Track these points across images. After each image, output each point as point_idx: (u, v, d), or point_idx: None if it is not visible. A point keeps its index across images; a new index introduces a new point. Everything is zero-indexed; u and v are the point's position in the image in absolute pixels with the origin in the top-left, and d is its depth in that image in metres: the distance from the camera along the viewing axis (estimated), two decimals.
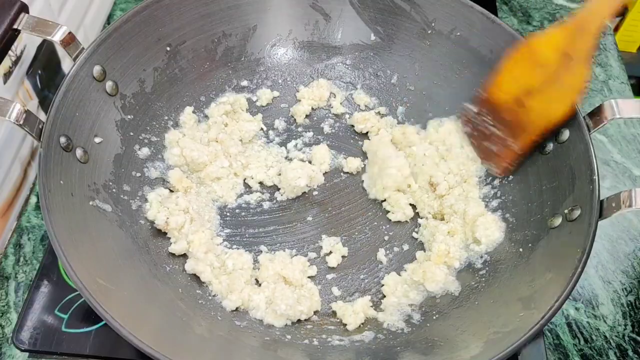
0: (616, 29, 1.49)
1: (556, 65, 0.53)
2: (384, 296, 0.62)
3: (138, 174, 0.66)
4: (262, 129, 0.73)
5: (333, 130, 0.75)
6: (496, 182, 0.67)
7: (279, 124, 0.74)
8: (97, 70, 0.61)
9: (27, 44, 0.67)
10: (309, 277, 0.63)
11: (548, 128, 0.57)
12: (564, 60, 0.52)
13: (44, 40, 0.68)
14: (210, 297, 0.61)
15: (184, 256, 0.63)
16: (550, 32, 0.53)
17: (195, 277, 0.62)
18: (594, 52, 0.53)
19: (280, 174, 0.69)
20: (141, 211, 0.64)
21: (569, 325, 0.66)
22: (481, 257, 0.63)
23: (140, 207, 0.64)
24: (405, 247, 0.66)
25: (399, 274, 0.63)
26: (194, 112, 0.71)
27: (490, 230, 0.62)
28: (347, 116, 0.76)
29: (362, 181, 0.71)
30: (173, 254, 0.62)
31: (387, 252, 0.66)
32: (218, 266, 0.61)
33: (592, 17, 0.50)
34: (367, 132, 0.74)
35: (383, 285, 0.63)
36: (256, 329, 0.59)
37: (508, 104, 0.56)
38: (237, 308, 0.60)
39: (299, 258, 0.63)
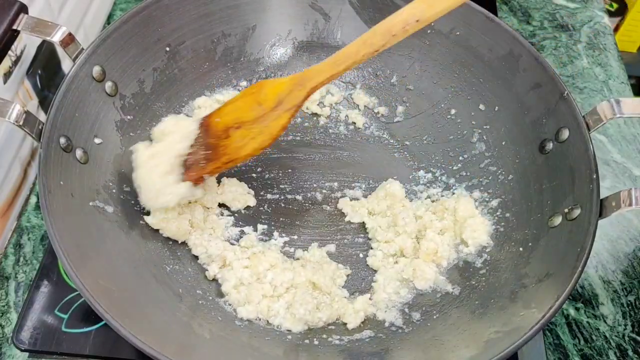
0: (616, 29, 1.49)
1: (269, 109, 0.57)
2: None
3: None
4: None
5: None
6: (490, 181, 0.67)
7: None
8: (96, 70, 0.61)
9: (27, 44, 0.67)
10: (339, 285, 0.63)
11: (237, 161, 0.59)
12: (276, 106, 0.56)
13: (44, 41, 0.68)
14: (210, 298, 0.61)
15: (184, 256, 0.63)
16: (280, 80, 0.57)
17: (196, 278, 0.62)
18: (301, 106, 0.57)
19: None
20: (141, 212, 0.64)
21: (569, 325, 0.66)
22: (480, 256, 0.63)
23: (141, 208, 0.64)
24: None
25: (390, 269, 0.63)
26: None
27: (478, 232, 0.63)
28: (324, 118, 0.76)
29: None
30: (172, 254, 0.62)
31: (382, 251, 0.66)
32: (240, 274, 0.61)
33: (311, 76, 0.55)
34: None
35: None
36: (257, 329, 0.59)
37: (218, 132, 0.59)
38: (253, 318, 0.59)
39: (330, 265, 0.63)
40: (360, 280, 0.64)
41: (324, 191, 0.71)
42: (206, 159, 0.59)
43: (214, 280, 0.62)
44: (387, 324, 0.60)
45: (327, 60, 0.54)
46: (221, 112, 0.59)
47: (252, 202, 0.68)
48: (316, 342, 0.58)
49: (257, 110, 0.57)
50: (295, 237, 0.67)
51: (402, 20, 0.51)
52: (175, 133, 0.60)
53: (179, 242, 0.63)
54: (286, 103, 0.56)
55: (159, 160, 0.59)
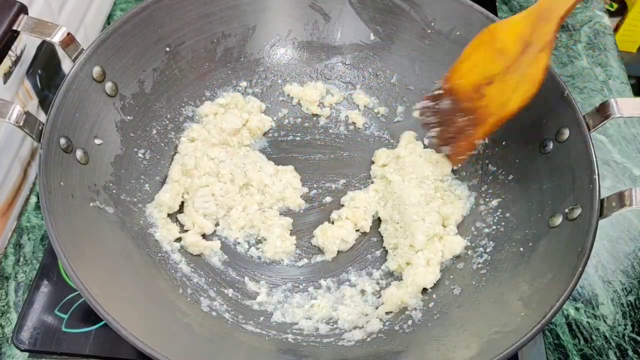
0: (616, 29, 1.49)
1: (516, 53, 0.51)
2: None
3: (138, 175, 0.66)
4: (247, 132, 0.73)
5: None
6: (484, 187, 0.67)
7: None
8: (96, 71, 0.61)
9: (27, 44, 0.67)
10: None
11: (506, 118, 0.55)
12: (524, 49, 0.51)
13: (44, 41, 0.68)
14: (211, 298, 0.61)
15: (184, 256, 0.63)
16: (513, 20, 0.51)
17: (196, 278, 0.62)
18: (554, 42, 0.51)
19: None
20: (142, 212, 0.64)
21: (569, 325, 0.66)
22: (480, 256, 0.63)
23: (141, 208, 0.64)
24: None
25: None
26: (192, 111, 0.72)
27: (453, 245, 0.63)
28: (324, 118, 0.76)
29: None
30: (172, 255, 0.63)
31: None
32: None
33: (554, 5, 0.49)
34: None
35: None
36: (257, 329, 0.59)
37: (468, 93, 0.54)
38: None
39: None
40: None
41: (324, 191, 0.71)
42: (471, 125, 0.55)
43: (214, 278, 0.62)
44: (387, 324, 0.60)
45: None
46: (460, 72, 0.54)
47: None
48: (316, 343, 0.58)
49: (503, 59, 0.52)
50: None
51: None
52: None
53: (180, 245, 0.64)
54: (536, 43, 0.50)
55: None
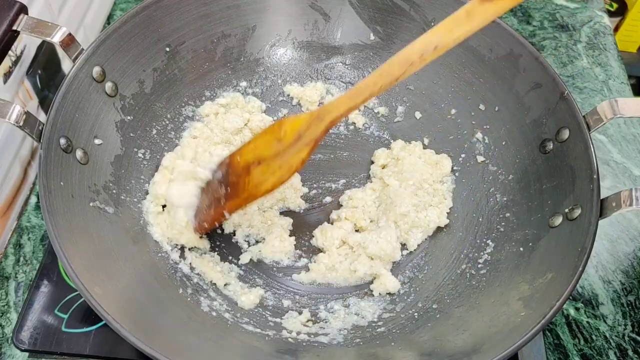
0: (616, 29, 1.49)
1: (288, 144, 0.56)
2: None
3: (138, 175, 0.66)
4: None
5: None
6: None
7: None
8: (96, 71, 0.61)
9: (27, 44, 0.67)
10: None
11: (257, 197, 0.59)
12: (296, 141, 0.56)
13: (44, 41, 0.68)
14: (211, 298, 0.61)
15: (184, 257, 0.63)
16: (300, 115, 0.57)
17: (196, 278, 0.62)
18: (320, 140, 0.56)
19: None
20: (141, 212, 0.64)
21: (569, 325, 0.66)
22: (480, 256, 0.63)
23: (141, 209, 0.64)
24: None
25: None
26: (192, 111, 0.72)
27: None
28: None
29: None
30: (172, 255, 0.63)
31: None
32: None
33: (330, 109, 0.54)
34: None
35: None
36: (257, 330, 0.59)
37: (239, 170, 0.59)
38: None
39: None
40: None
41: (324, 191, 0.71)
42: (226, 197, 0.59)
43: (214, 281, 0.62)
44: (388, 324, 0.60)
45: (345, 93, 0.54)
46: (243, 151, 0.59)
47: None
48: (316, 343, 0.58)
49: (277, 146, 0.57)
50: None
51: (420, 48, 0.50)
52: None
53: (179, 245, 0.64)
54: (305, 137, 0.55)
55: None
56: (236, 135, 0.71)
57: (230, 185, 0.59)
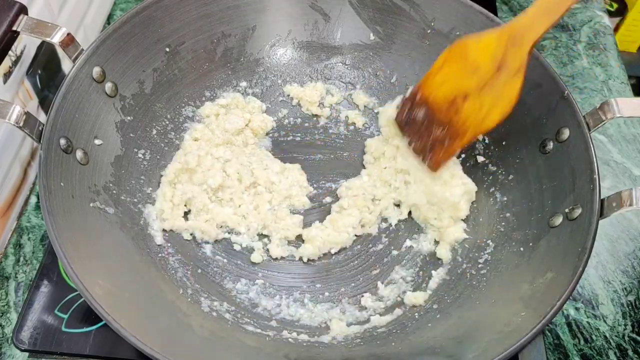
0: (616, 29, 1.49)
1: (490, 73, 0.53)
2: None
3: (138, 176, 0.66)
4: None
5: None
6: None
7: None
8: (96, 71, 0.61)
9: (27, 44, 0.67)
10: None
11: (483, 133, 0.58)
12: (498, 70, 0.52)
13: (44, 41, 0.68)
14: (211, 298, 0.61)
15: (184, 257, 0.63)
16: (485, 38, 0.52)
17: (196, 278, 0.62)
18: (527, 65, 0.53)
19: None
20: (142, 212, 0.64)
21: (569, 325, 0.66)
22: (480, 256, 0.63)
23: (141, 209, 0.64)
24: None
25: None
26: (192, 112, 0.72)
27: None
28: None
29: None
30: (172, 255, 0.63)
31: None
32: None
33: (525, 32, 0.50)
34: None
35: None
36: (257, 330, 0.59)
37: (443, 106, 0.56)
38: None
39: None
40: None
41: (324, 191, 0.71)
42: (447, 137, 0.56)
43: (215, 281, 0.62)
44: (387, 324, 0.60)
45: (534, 7, 0.48)
46: (433, 84, 0.56)
47: None
48: (316, 344, 0.58)
49: (477, 76, 0.53)
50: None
51: None
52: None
53: (184, 237, 0.64)
54: (510, 66, 0.51)
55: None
56: (237, 135, 0.72)
57: (444, 124, 0.56)
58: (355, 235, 0.67)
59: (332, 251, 0.65)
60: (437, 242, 0.66)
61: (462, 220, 0.66)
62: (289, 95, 0.76)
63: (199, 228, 0.64)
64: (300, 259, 0.65)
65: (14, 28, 0.56)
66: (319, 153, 0.73)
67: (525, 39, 0.50)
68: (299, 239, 0.66)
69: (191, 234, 0.65)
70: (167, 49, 0.69)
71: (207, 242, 0.65)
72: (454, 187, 0.64)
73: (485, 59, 0.53)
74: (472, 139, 0.58)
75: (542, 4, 0.48)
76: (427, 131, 0.58)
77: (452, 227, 0.65)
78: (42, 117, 0.70)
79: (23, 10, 0.56)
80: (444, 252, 0.65)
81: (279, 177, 0.69)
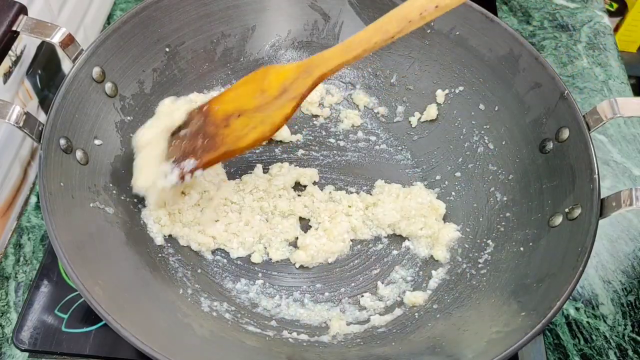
0: (616, 29, 1.49)
1: (272, 96, 0.53)
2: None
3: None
4: None
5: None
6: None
7: None
8: (96, 71, 0.61)
9: (27, 44, 0.67)
10: None
11: (236, 152, 0.56)
12: (281, 94, 0.53)
13: (44, 41, 0.68)
14: (211, 298, 0.61)
15: (185, 257, 0.63)
16: (285, 67, 0.54)
17: (197, 278, 0.62)
18: (306, 96, 0.53)
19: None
20: (141, 212, 0.64)
21: (569, 325, 0.66)
22: (480, 256, 0.63)
23: (141, 209, 0.64)
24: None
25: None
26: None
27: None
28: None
29: None
30: (173, 255, 0.63)
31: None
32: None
33: (319, 64, 0.52)
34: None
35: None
36: (257, 330, 0.59)
37: (217, 120, 0.55)
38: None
39: None
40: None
41: (324, 192, 0.71)
42: (203, 149, 0.55)
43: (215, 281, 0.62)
44: (388, 324, 0.60)
45: (337, 46, 0.50)
46: (222, 100, 0.56)
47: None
48: (316, 343, 0.58)
49: (260, 98, 0.53)
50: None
51: (420, 5, 0.47)
52: (172, 114, 0.57)
53: (180, 243, 0.64)
54: (291, 91, 0.52)
55: (155, 144, 0.56)
56: None
57: (209, 137, 0.55)
58: (351, 240, 0.66)
59: (329, 260, 0.65)
60: (432, 246, 0.66)
61: (452, 222, 0.66)
62: None
63: (195, 240, 0.63)
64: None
65: (14, 28, 0.56)
66: (319, 153, 0.73)
67: (316, 70, 0.52)
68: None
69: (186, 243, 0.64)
70: (167, 49, 0.69)
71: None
72: (419, 193, 0.66)
73: (275, 84, 0.53)
74: (223, 156, 0.56)
75: (344, 44, 0.50)
76: (190, 138, 0.57)
77: (443, 229, 0.65)
78: (42, 117, 0.70)
79: (23, 10, 0.56)
80: (440, 254, 0.65)
81: (264, 182, 0.68)
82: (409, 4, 0.48)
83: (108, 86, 0.63)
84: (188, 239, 0.63)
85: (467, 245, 0.65)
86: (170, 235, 0.64)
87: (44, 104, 0.73)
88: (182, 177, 0.57)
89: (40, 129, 0.55)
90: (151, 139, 0.58)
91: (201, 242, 0.63)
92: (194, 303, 0.59)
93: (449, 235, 0.65)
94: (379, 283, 0.64)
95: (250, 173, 0.69)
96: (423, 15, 0.47)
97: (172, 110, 0.60)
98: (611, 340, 0.65)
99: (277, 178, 0.68)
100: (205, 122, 0.56)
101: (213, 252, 0.65)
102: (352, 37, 0.50)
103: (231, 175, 0.69)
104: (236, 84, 0.57)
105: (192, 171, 0.56)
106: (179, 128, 0.58)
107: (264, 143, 0.73)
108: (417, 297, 0.61)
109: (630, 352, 0.65)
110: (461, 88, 0.71)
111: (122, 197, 0.63)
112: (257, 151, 0.73)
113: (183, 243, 0.64)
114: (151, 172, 0.58)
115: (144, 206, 0.64)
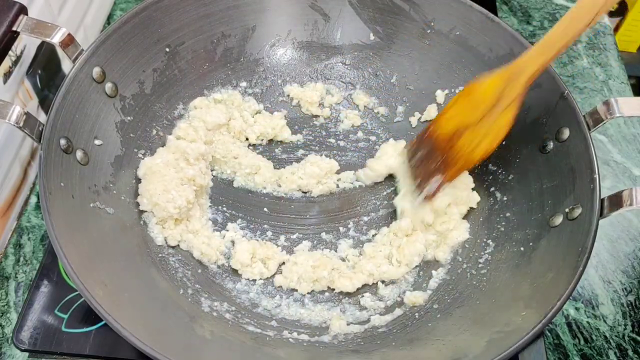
0: (616, 29, 1.49)
1: (490, 106, 0.56)
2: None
3: (135, 179, 0.66)
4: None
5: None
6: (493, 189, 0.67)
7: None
8: (96, 71, 0.61)
9: (27, 44, 0.67)
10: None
11: (472, 165, 0.60)
12: (496, 102, 0.56)
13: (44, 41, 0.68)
14: (212, 298, 0.61)
15: (185, 257, 0.63)
16: (492, 77, 0.56)
17: (197, 278, 0.62)
18: (521, 99, 0.56)
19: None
20: (142, 213, 0.64)
21: (569, 325, 0.66)
22: (480, 256, 0.63)
23: (141, 209, 0.64)
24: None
25: None
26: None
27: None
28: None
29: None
30: (173, 255, 0.63)
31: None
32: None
33: (522, 68, 0.54)
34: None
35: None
36: (258, 330, 0.59)
37: (443, 142, 0.59)
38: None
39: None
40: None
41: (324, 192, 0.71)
42: (442, 168, 0.60)
43: (215, 280, 0.62)
44: (388, 324, 0.60)
45: (534, 46, 0.53)
46: (439, 124, 0.60)
47: None
48: (317, 343, 0.58)
49: (478, 111, 0.57)
50: (295, 236, 0.67)
51: None
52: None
53: (180, 246, 0.64)
54: (505, 99, 0.55)
55: None
56: (218, 130, 0.71)
57: (439, 158, 0.60)
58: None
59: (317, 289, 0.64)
60: (438, 246, 0.66)
61: (465, 220, 0.66)
62: (288, 95, 0.76)
63: (199, 249, 0.63)
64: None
65: (14, 28, 0.56)
66: (319, 153, 0.73)
67: (522, 74, 0.54)
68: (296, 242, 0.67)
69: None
70: (167, 49, 0.69)
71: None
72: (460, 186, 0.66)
73: (488, 95, 0.56)
74: (462, 169, 0.61)
75: (539, 46, 0.53)
76: (424, 165, 0.62)
77: (456, 229, 0.65)
78: (42, 117, 0.70)
79: (23, 10, 0.56)
80: (441, 255, 0.64)
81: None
82: None
83: (108, 86, 0.63)
84: (190, 246, 0.63)
85: (467, 245, 0.65)
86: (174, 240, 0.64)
87: (44, 104, 0.73)
88: (432, 195, 0.62)
89: (40, 129, 0.55)
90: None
91: (204, 253, 0.63)
92: (194, 303, 0.59)
93: (459, 238, 0.65)
94: (379, 283, 0.64)
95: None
96: None
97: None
98: (611, 340, 0.65)
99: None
100: (432, 149, 0.60)
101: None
102: (548, 34, 0.52)
103: None
104: (446, 106, 0.60)
105: (439, 186, 0.61)
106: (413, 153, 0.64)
107: (264, 143, 0.73)
108: (417, 297, 0.61)
109: (630, 352, 0.65)
110: (461, 88, 0.71)
111: (123, 198, 0.63)
112: (257, 152, 0.73)
113: (184, 247, 0.64)
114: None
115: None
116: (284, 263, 0.64)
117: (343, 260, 0.65)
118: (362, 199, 0.70)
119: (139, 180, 0.65)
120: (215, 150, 0.69)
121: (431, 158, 0.61)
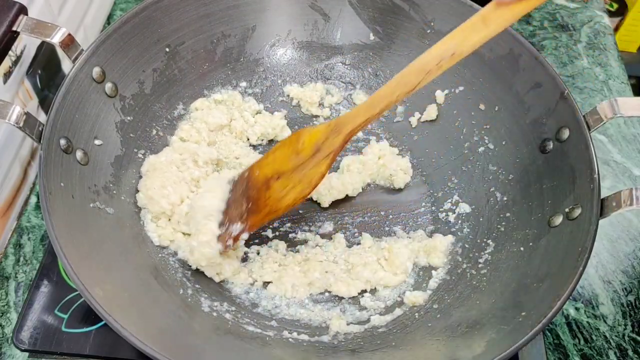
0: (616, 29, 1.49)
1: (307, 156, 0.56)
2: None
3: (138, 175, 0.66)
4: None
5: None
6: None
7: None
8: (96, 71, 0.61)
9: (27, 43, 0.67)
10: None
11: (279, 212, 0.59)
12: (315, 153, 0.56)
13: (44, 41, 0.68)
14: (212, 298, 0.61)
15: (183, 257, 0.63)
16: (317, 127, 0.56)
17: (197, 279, 0.62)
18: (339, 152, 0.56)
19: None
20: (142, 213, 0.64)
21: (569, 325, 0.66)
22: (480, 256, 0.63)
23: (141, 209, 0.64)
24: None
25: None
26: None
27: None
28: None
29: None
30: (173, 255, 0.63)
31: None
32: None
33: (347, 122, 0.54)
34: None
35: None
36: (258, 330, 0.59)
37: (259, 184, 0.59)
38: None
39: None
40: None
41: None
42: (248, 211, 0.58)
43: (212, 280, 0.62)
44: (388, 324, 0.60)
45: (362, 104, 0.54)
46: (261, 164, 0.59)
47: None
48: (317, 344, 0.58)
49: (295, 160, 0.57)
50: (295, 235, 0.67)
51: (437, 55, 0.49)
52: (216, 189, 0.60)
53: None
54: (324, 150, 0.55)
55: (208, 213, 0.58)
56: (220, 130, 0.71)
57: (252, 200, 0.59)
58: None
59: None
60: (429, 254, 0.65)
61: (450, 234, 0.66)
62: (288, 96, 0.77)
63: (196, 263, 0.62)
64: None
65: (14, 28, 0.56)
66: None
67: (345, 128, 0.54)
68: (294, 244, 0.67)
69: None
70: (167, 49, 0.69)
71: None
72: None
73: (308, 145, 0.56)
74: (267, 218, 0.60)
75: (369, 101, 0.53)
76: (234, 204, 0.59)
77: (433, 241, 0.65)
78: (42, 117, 0.70)
79: (23, 10, 0.56)
80: (436, 261, 0.64)
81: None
82: (425, 55, 0.49)
83: (108, 86, 0.63)
84: (177, 247, 0.63)
85: (467, 245, 0.65)
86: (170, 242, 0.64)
87: (44, 104, 0.73)
88: (228, 244, 0.59)
89: (40, 129, 0.55)
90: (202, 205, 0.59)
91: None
92: (194, 303, 0.59)
93: (443, 243, 0.65)
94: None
95: None
96: (440, 65, 0.49)
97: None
98: (611, 340, 0.65)
99: None
100: (248, 187, 0.59)
101: None
102: (375, 93, 0.53)
103: None
104: (273, 148, 0.60)
105: (238, 235, 0.59)
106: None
107: (265, 143, 0.73)
108: (417, 297, 0.61)
109: (630, 352, 0.65)
110: (461, 88, 0.71)
111: (123, 198, 0.63)
112: (258, 152, 0.73)
113: (174, 248, 0.63)
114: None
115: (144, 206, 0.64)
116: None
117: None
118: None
119: (139, 181, 0.65)
120: (218, 151, 0.69)
121: (242, 200, 0.59)
